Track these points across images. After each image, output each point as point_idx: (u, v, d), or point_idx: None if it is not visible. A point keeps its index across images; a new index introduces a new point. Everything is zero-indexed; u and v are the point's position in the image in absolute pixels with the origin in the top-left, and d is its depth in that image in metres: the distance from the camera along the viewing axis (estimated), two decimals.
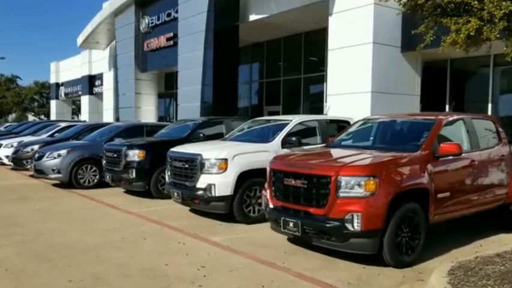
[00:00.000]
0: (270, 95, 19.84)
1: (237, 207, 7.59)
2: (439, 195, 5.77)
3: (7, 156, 15.95)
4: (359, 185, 5.15)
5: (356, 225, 5.09)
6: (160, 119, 22.99)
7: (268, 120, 9.59)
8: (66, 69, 36.74)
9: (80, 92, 33.36)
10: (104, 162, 11.08)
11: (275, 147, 8.06)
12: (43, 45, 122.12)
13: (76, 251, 6.11)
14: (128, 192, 11.02)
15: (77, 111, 49.25)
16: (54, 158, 11.81)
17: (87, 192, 11.34)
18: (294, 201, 5.71)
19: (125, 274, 5.18)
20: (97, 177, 11.97)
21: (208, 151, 7.76)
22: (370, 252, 5.25)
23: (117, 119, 22.48)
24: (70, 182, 11.75)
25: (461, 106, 13.42)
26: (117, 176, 10.47)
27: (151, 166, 10.16)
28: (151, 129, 13.09)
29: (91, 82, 31.09)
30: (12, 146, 15.96)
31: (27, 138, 16.62)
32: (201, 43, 15.76)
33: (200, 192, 7.59)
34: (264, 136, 8.71)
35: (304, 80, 18.05)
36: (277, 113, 18.74)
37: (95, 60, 30.00)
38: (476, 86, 13.88)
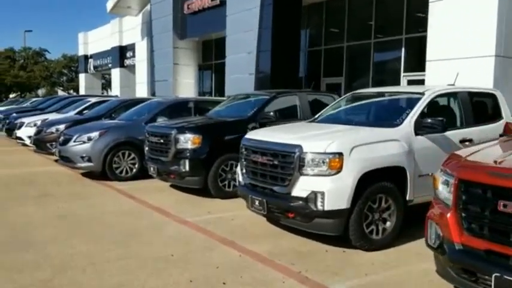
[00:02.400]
0: (329, 64, 16.94)
1: (355, 226, 4.96)
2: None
3: (30, 137, 13.68)
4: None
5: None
6: (200, 94, 20.43)
7: (381, 93, 6.82)
8: (95, 40, 34.48)
9: (110, 65, 31.16)
10: (146, 149, 8.58)
11: (406, 134, 5.37)
12: (71, 14, 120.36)
13: None
14: (176, 185, 8.52)
15: (106, 85, 47.51)
16: (84, 142, 9.38)
17: (124, 185, 8.92)
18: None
19: None
20: (136, 166, 9.53)
21: (311, 140, 5.12)
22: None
23: (152, 94, 20.06)
24: (103, 171, 9.35)
25: None
26: (164, 168, 7.97)
27: (209, 156, 7.63)
28: (201, 106, 10.54)
29: (122, 53, 28.78)
30: (35, 125, 13.68)
31: (52, 116, 14.32)
32: (256, 0, 12.93)
33: (298, 203, 4.99)
34: (382, 117, 6.05)
35: (374, 46, 15.10)
36: (338, 86, 15.98)
37: (126, 30, 27.58)
38: None
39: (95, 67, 35.00)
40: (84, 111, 13.93)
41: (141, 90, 23.53)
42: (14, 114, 18.08)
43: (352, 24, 15.93)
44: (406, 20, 14.03)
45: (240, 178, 5.97)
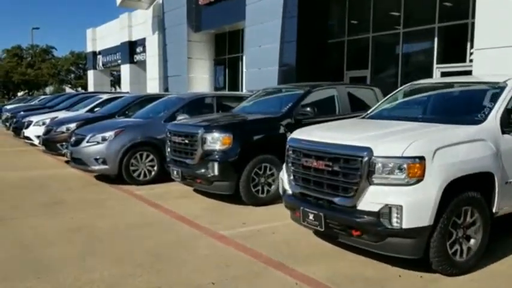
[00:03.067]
0: (353, 56, 15.96)
1: (438, 247, 4.03)
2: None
3: (38, 137, 12.85)
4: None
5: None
6: (215, 90, 19.51)
7: (448, 84, 5.85)
8: (104, 36, 33.63)
9: (119, 61, 30.33)
10: (168, 150, 7.69)
11: (491, 132, 4.43)
12: (78, 11, 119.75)
13: None
14: (200, 190, 7.62)
15: (115, 82, 46.81)
16: (98, 142, 8.50)
17: (143, 190, 8.06)
18: None
19: None
20: (155, 168, 8.64)
21: (383, 141, 4.18)
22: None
23: (165, 90, 19.16)
24: (119, 174, 8.47)
25: None
26: (189, 171, 7.06)
27: (241, 158, 6.73)
28: (223, 102, 9.64)
29: (131, 49, 27.92)
30: (43, 124, 12.84)
31: (61, 114, 13.47)
32: None
33: (367, 219, 4.07)
34: (457, 112, 5.10)
35: (403, 36, 14.09)
36: (362, 80, 15.02)
37: (136, 24, 26.72)
38: None
39: (104, 63, 34.18)
40: (96, 109, 13.06)
41: (153, 87, 22.65)
42: (22, 113, 17.27)
43: (379, 14, 14.93)
44: (440, 8, 13.02)
45: (287, 186, 5.05)
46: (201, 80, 18.41)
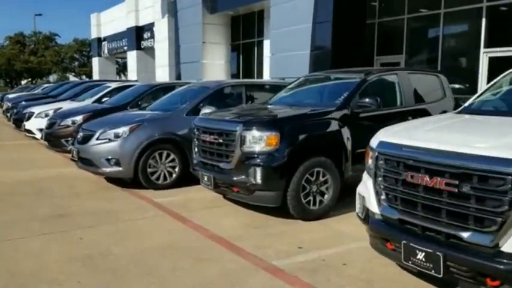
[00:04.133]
0: (385, 40, 14.51)
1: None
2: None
3: (40, 130, 11.54)
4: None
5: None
6: (232, 77, 18.09)
7: None
8: (109, 21, 32.21)
9: (125, 48, 28.96)
10: (195, 150, 6.35)
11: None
12: None
13: None
14: (232, 199, 6.29)
15: (121, 70, 45.48)
16: (110, 140, 7.19)
17: (164, 197, 6.78)
18: None
19: None
20: (176, 170, 7.34)
21: None
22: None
23: (177, 78, 17.77)
24: (135, 177, 7.16)
25: None
26: (224, 178, 5.71)
27: (290, 162, 5.38)
28: (255, 92, 8.30)
29: (139, 35, 26.53)
30: (46, 116, 11.53)
31: (66, 105, 12.15)
32: None
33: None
34: None
35: (444, 16, 12.63)
36: (396, 66, 13.58)
37: (143, 8, 25.30)
38: None
39: (109, 50, 32.77)
40: (104, 99, 11.72)
41: (162, 75, 21.26)
42: (23, 103, 15.96)
43: None
44: None
45: (374, 207, 3.70)
46: (217, 67, 16.99)
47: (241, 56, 19.48)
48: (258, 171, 5.33)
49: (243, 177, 5.45)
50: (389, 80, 6.55)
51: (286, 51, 11.71)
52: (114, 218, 5.79)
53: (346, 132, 5.73)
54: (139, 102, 10.10)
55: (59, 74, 52.69)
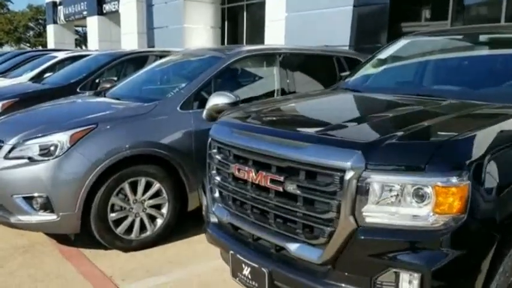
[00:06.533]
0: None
1: None
2: None
3: None
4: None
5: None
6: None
7: None
8: None
9: (84, 13, 24.68)
10: (215, 192, 2.81)
11: None
12: None
13: None
14: None
15: (81, 42, 40.97)
16: (31, 160, 3.60)
17: (143, 275, 3.37)
18: None
19: None
20: (165, 210, 3.93)
21: None
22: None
23: (150, 47, 13.99)
24: (86, 229, 3.67)
25: None
26: (299, 281, 2.26)
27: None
28: (297, 67, 4.85)
29: None
30: None
31: None
32: None
33: None
34: None
35: None
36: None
37: None
38: None
39: (66, 16, 28.23)
40: (46, 75, 8.01)
41: (129, 44, 17.33)
42: None
43: None
44: None
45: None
46: (203, 33, 13.24)
47: (245, 21, 15.48)
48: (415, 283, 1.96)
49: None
50: None
51: (311, 9, 8.20)
52: None
53: None
54: (98, 80, 6.53)
55: (12, 44, 47.47)
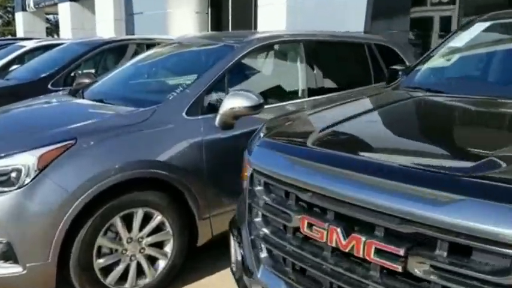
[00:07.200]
0: None
1: None
2: None
3: None
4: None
5: None
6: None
7: None
8: None
9: None
10: (261, 251, 1.91)
11: None
12: None
13: None
14: None
15: (53, 31, 39.25)
16: None
17: None
18: None
19: None
20: (169, 249, 2.99)
21: None
22: None
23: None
24: (64, 279, 2.71)
25: None
26: None
27: None
28: (322, 59, 3.92)
29: None
30: None
31: None
32: None
33: None
34: None
35: None
36: (446, 20, 9.74)
37: None
38: None
39: (36, 3, 26.72)
40: (11, 69, 6.91)
41: (105, 32, 16.12)
42: None
43: None
44: None
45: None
46: (187, 19, 12.14)
47: (230, 9, 14.39)
48: None
49: None
50: None
51: None
52: None
53: None
54: (73, 74, 5.51)
55: None
